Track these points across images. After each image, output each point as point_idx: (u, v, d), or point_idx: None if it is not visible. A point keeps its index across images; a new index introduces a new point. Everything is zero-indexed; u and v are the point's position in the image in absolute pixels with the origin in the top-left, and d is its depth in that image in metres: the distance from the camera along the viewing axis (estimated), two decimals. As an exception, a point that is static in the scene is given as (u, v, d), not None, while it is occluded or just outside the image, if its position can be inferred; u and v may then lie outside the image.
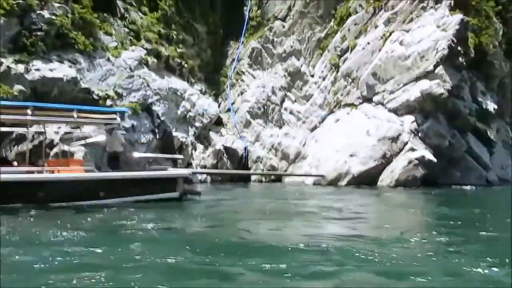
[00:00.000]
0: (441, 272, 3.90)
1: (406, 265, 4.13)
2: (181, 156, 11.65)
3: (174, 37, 18.36)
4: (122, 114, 9.72)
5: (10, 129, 9.54)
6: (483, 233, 5.93)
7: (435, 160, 13.07)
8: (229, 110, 18.98)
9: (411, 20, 15.89)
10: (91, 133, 10.82)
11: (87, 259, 4.16)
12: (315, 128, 17.91)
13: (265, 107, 18.24)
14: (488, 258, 4.28)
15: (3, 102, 8.32)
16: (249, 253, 4.64)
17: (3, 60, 11.01)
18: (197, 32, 19.99)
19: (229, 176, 16.68)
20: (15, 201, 7.37)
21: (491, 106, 15.34)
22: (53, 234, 5.29)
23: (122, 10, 16.48)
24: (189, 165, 15.60)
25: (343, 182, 13.45)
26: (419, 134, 13.54)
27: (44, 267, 3.82)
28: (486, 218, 7.76)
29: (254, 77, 19.79)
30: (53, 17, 12.26)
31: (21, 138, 10.50)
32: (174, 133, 14.93)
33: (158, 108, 14.48)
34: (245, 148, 17.33)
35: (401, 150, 13.28)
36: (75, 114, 8.45)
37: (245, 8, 21.83)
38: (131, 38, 16.18)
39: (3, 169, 7.42)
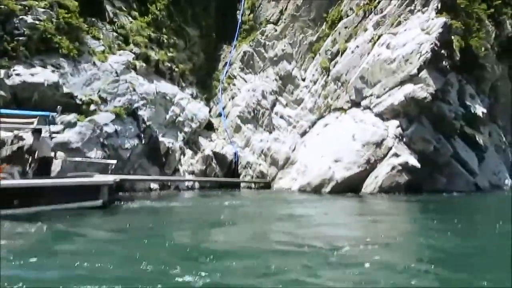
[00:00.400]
0: None
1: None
2: (113, 161, 11.22)
3: (165, 41, 18.32)
4: (45, 118, 9.48)
5: None
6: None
7: (419, 165, 12.91)
8: (220, 114, 18.94)
9: (399, 23, 15.77)
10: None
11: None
12: (305, 133, 17.78)
13: (255, 111, 18.15)
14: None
15: None
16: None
17: (-17, 66, 11.03)
18: (189, 36, 19.97)
19: (219, 183, 16.61)
20: None
21: (480, 110, 15.15)
22: None
23: (111, 15, 16.45)
24: (176, 170, 15.55)
25: (327, 189, 13.31)
26: (404, 139, 13.38)
27: None
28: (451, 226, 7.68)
29: (245, 81, 19.72)
30: (37, 22, 12.24)
31: None
32: (161, 138, 14.86)
33: (144, 113, 14.42)
34: (235, 154, 17.25)
35: (385, 155, 13.13)
36: None
37: (238, 12, 21.86)
38: (120, 42, 16.14)
39: None
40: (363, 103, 15.68)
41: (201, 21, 20.77)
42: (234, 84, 19.60)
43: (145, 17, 17.87)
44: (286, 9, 20.87)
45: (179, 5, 19.60)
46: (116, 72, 14.34)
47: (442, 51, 13.29)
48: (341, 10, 19.59)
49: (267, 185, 16.78)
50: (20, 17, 11.93)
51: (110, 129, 12.53)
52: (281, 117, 18.61)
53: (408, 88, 13.26)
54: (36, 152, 9.62)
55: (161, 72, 17.49)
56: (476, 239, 6.60)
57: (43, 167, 9.48)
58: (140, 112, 14.20)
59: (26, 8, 12.32)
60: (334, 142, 14.32)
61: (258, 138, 17.71)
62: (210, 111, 18.93)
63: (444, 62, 13.38)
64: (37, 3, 12.72)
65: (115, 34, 16.14)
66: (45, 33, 12.31)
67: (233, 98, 19.11)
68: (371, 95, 15.27)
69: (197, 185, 15.93)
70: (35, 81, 11.22)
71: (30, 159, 10.13)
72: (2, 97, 10.69)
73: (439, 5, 14.88)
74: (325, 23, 19.96)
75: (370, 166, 13.19)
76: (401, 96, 13.33)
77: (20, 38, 11.66)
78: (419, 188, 13.40)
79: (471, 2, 18.06)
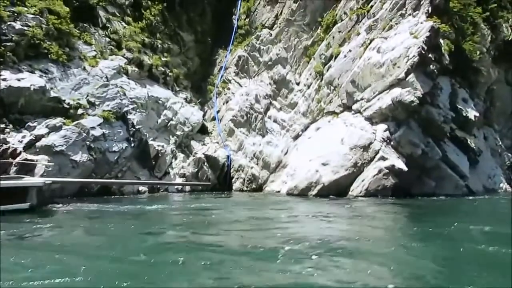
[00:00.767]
0: None
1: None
2: (42, 163, 10.81)
3: (159, 46, 18.42)
4: None
5: None
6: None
7: (405, 168, 12.82)
8: (214, 118, 19.01)
9: (391, 27, 15.71)
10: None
11: None
12: (298, 136, 17.77)
13: (248, 115, 18.17)
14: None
15: None
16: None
17: (-30, 71, 11.18)
18: (184, 41, 20.07)
19: (211, 186, 16.64)
20: None
21: (472, 113, 15.02)
22: None
23: (104, 20, 16.57)
24: (166, 173, 15.62)
25: (313, 192, 13.26)
26: (392, 143, 13.30)
27: None
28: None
29: (240, 85, 19.77)
30: (25, 28, 12.40)
31: None
32: (151, 142, 14.93)
33: (134, 117, 14.50)
34: (228, 157, 17.28)
35: (372, 159, 13.06)
36: None
37: (234, 16, 21.97)
38: (112, 47, 16.27)
39: None
40: (354, 107, 15.63)
41: (197, 26, 20.86)
42: (228, 88, 19.66)
43: (139, 22, 17.96)
44: (281, 13, 20.94)
45: (174, 11, 19.72)
46: (106, 77, 14.45)
47: (430, 55, 13.21)
48: (336, 15, 19.60)
49: (259, 188, 16.83)
50: (8, 23, 12.08)
51: (97, 132, 12.62)
52: (275, 121, 18.62)
53: (396, 92, 13.20)
54: None
55: (155, 76, 17.57)
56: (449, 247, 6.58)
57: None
58: (129, 116, 14.27)
59: (15, 14, 12.48)
60: (323, 146, 14.29)
61: (250, 141, 17.73)
62: (204, 115, 18.99)
63: (431, 66, 13.29)
64: (26, 9, 12.89)
65: (107, 39, 16.25)
66: (33, 39, 12.45)
67: (227, 102, 19.16)
68: (361, 99, 15.23)
69: (187, 187, 15.98)
70: (21, 85, 11.34)
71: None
72: (-12, 102, 10.84)
73: (430, 9, 14.81)
74: (320, 27, 19.98)
75: (358, 169, 13.13)
76: (388, 100, 13.27)
77: (8, 43, 11.80)
78: (408, 191, 13.31)
79: (465, 6, 17.98)
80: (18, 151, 10.60)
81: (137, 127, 14.35)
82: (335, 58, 17.96)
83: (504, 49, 19.38)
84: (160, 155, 15.02)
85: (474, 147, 15.38)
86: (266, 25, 20.99)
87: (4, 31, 11.89)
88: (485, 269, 5.22)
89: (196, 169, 16.46)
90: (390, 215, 9.96)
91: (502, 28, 19.45)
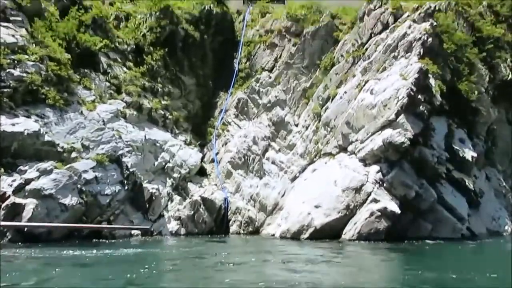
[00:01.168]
0: None
1: None
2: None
3: (160, 90, 18.84)
4: None
5: None
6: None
7: (398, 211, 12.56)
8: (213, 160, 19.12)
9: (384, 69, 15.88)
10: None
11: None
12: (295, 178, 17.67)
13: (246, 157, 18.22)
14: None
15: None
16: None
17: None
18: (185, 84, 20.50)
19: (208, 229, 16.53)
20: None
21: (469, 154, 14.82)
22: None
23: (105, 66, 17.13)
24: (161, 216, 15.59)
25: (305, 235, 13.03)
26: (384, 184, 13.13)
27: None
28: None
29: (240, 127, 19.97)
30: (24, 74, 12.89)
31: None
32: (145, 184, 14.99)
33: (129, 160, 14.66)
34: (225, 199, 17.22)
35: (364, 201, 12.86)
36: None
37: (235, 60, 22.54)
38: (112, 91, 16.72)
39: None
40: (350, 148, 15.60)
41: (198, 70, 21.35)
42: (228, 130, 19.86)
43: (140, 67, 18.48)
44: (280, 56, 21.42)
45: (175, 56, 20.30)
46: (103, 121, 14.77)
47: (419, 96, 13.25)
48: (333, 57, 19.99)
49: (256, 231, 16.64)
50: (8, 70, 12.59)
51: (89, 175, 12.76)
52: (273, 162, 18.61)
53: (387, 133, 13.18)
54: None
55: (154, 119, 17.86)
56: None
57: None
58: (124, 159, 14.44)
59: (15, 62, 13.02)
60: (317, 188, 14.18)
61: (248, 183, 17.68)
62: (204, 157, 19.09)
63: (421, 107, 13.30)
64: (27, 57, 13.44)
65: (107, 84, 16.73)
66: (31, 85, 12.89)
67: (226, 144, 19.30)
68: (356, 140, 15.20)
69: (183, 231, 15.86)
70: (15, 130, 11.65)
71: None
72: (-19, 147, 11.13)
73: (421, 51, 14.98)
74: (318, 69, 20.34)
75: (350, 212, 12.93)
76: (380, 141, 13.24)
77: (6, 90, 12.24)
78: (403, 234, 12.99)
79: (461, 47, 18.12)
80: (7, 195, 10.77)
81: (131, 169, 14.47)
82: (332, 99, 18.14)
83: (504, 89, 19.30)
84: (154, 197, 15.05)
85: (474, 189, 15.04)
86: (265, 68, 21.45)
87: (3, 78, 12.36)
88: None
89: (192, 212, 16.38)
90: (375, 260, 9.72)
91: (500, 68, 19.46)
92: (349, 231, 12.82)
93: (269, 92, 20.62)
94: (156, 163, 16.38)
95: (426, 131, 13.57)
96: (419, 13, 16.44)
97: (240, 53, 22.48)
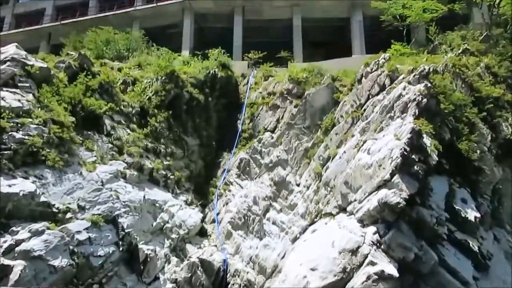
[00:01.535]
0: None
1: None
2: None
3: (162, 150, 19.14)
4: None
5: None
6: None
7: (397, 274, 12.00)
8: (214, 221, 18.93)
9: (381, 129, 15.95)
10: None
11: None
12: (296, 239, 17.25)
13: (246, 217, 17.99)
14: None
15: None
16: None
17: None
18: (188, 145, 20.82)
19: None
20: None
21: (472, 214, 14.36)
22: None
23: (109, 128, 17.56)
24: (156, 279, 15.19)
25: (300, 300, 12.54)
26: (382, 246, 12.70)
27: None
28: None
29: (241, 187, 19.93)
30: (26, 137, 13.30)
31: None
32: (140, 245, 14.77)
33: (125, 220, 14.58)
34: (224, 261, 16.82)
35: (361, 263, 12.38)
36: None
37: (238, 121, 23.01)
38: (114, 153, 17.00)
39: None
40: (349, 208, 15.32)
41: (202, 131, 21.79)
42: (229, 190, 19.82)
43: (144, 128, 18.93)
44: (282, 117, 21.82)
45: (179, 117, 20.81)
46: (102, 181, 14.91)
47: (413, 156, 13.16)
48: (334, 118, 20.26)
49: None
50: (10, 133, 13.02)
51: (82, 236, 12.68)
52: (274, 223, 18.30)
53: (382, 193, 12.96)
54: None
55: (155, 179, 17.97)
56: None
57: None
58: (120, 220, 14.38)
59: (18, 125, 13.49)
60: (315, 249, 13.78)
61: (248, 245, 17.31)
62: (205, 217, 18.96)
63: (416, 167, 13.15)
64: (30, 120, 13.93)
65: (110, 145, 17.05)
66: (31, 147, 13.24)
67: (227, 204, 19.18)
68: (355, 200, 14.96)
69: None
70: (10, 191, 11.83)
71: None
72: (-22, 208, 11.27)
73: (416, 111, 15.07)
74: (319, 130, 20.57)
75: (347, 275, 12.42)
76: (375, 201, 13.02)
77: (6, 152, 12.58)
78: (403, 300, 12.35)
79: (460, 107, 18.18)
80: (-5, 256, 10.72)
81: (127, 230, 14.35)
82: (332, 159, 18.12)
83: (507, 148, 18.98)
84: (149, 259, 14.76)
85: (481, 250, 14.41)
86: (268, 128, 21.80)
87: (4, 140, 12.75)
88: None
89: (190, 274, 15.94)
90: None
91: (502, 127, 19.27)
92: (346, 295, 12.27)
93: (271, 152, 20.78)
94: (154, 223, 16.25)
95: (423, 191, 13.30)
96: (414, 75, 16.74)
97: (244, 114, 23.00)
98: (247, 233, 17.70)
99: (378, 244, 12.73)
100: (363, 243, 12.74)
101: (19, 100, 14.25)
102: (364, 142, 16.35)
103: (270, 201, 19.02)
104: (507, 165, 19.23)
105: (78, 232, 12.67)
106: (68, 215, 13.04)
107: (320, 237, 14.95)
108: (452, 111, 17.55)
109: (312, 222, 17.31)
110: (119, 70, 21.82)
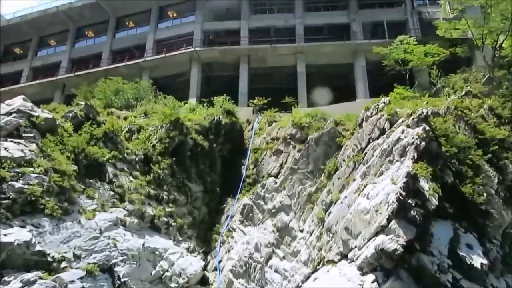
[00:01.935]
0: None
1: None
2: None
3: (165, 197, 19.14)
4: None
5: None
6: None
7: (396, 327, 11.48)
8: (216, 268, 18.58)
9: (381, 173, 15.76)
10: None
11: None
12: None
13: (247, 265, 17.60)
14: None
15: None
16: None
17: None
18: (191, 191, 20.80)
19: None
20: None
21: (478, 261, 13.76)
22: None
23: (111, 176, 17.73)
24: (153, 329, 14.81)
25: None
26: (381, 296, 12.23)
27: None
28: None
29: (244, 233, 19.68)
30: (25, 186, 13.52)
31: None
32: (137, 295, 14.56)
33: (122, 269, 14.37)
34: (225, 311, 16.36)
35: (359, 315, 11.92)
36: None
37: (242, 167, 23.08)
38: (115, 200, 17.04)
39: None
40: (350, 255, 14.87)
41: (206, 177, 21.84)
42: (232, 237, 19.56)
43: (147, 175, 19.03)
44: (285, 162, 21.80)
45: (183, 164, 20.95)
46: (100, 229, 14.87)
47: (410, 201, 12.88)
48: (337, 162, 20.15)
49: None
50: (10, 182, 13.26)
51: (75, 286, 12.47)
52: (276, 270, 17.85)
53: (379, 240, 12.59)
54: None
55: (157, 227, 17.85)
56: None
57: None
58: (117, 268, 14.20)
59: (19, 174, 13.74)
60: (314, 299, 13.32)
61: (249, 293, 16.87)
62: (207, 265, 18.64)
63: (413, 212, 12.83)
64: (31, 169, 14.19)
65: (111, 193, 17.14)
66: (30, 196, 13.41)
67: (229, 251, 18.85)
68: (355, 246, 14.57)
69: None
70: (5, 240, 11.87)
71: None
72: (-29, 256, 11.30)
73: (415, 155, 14.91)
74: (322, 174, 20.42)
75: (345, 327, 11.92)
76: (373, 248, 12.65)
77: (4, 201, 12.76)
78: None
79: (464, 149, 17.93)
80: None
81: (123, 279, 14.13)
82: (334, 204, 17.85)
83: (515, 191, 18.50)
84: (143, 309, 14.45)
85: (490, 300, 13.71)
86: (271, 173, 21.76)
87: (4, 190, 12.96)
88: None
89: (187, 325, 15.55)
90: None
91: (509, 169, 18.81)
92: None
93: (274, 197, 20.63)
94: (153, 272, 15.98)
95: (423, 237, 12.88)
96: (413, 119, 16.69)
97: (248, 159, 23.09)
98: (248, 282, 17.27)
99: (377, 293, 12.24)
100: (361, 292, 12.27)
101: (21, 150, 14.59)
102: (365, 186, 16.12)
103: (273, 248, 18.66)
104: (516, 208, 18.62)
105: (72, 281, 12.52)
106: (63, 264, 12.94)
107: (321, 286, 14.45)
108: (455, 154, 17.28)
109: (315, 270, 16.82)
110: (125, 118, 22.30)
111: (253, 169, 22.66)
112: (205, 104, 26.08)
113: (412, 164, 14.70)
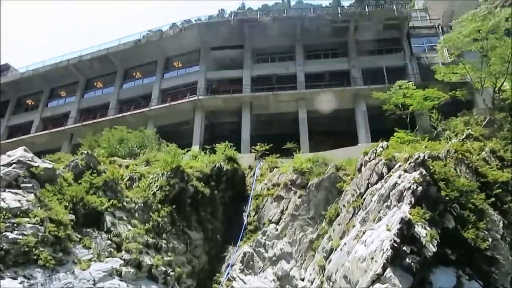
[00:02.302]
0: None
1: None
2: None
3: (164, 246, 18.88)
4: None
5: None
6: None
7: None
8: (213, 322, 18.02)
9: (380, 219, 15.50)
10: None
11: None
12: None
13: (245, 317, 17.10)
14: None
15: None
16: None
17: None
18: (191, 239, 20.50)
19: None
20: None
21: (484, 310, 13.21)
22: None
23: (109, 224, 17.63)
24: None
25: None
26: None
27: None
28: None
29: (244, 283, 19.21)
30: (20, 237, 13.52)
31: None
32: None
33: (113, 322, 14.09)
34: None
35: None
36: None
37: (244, 214, 22.89)
38: (112, 249, 16.87)
39: None
40: (350, 306, 14.39)
41: (207, 224, 21.59)
42: (232, 287, 19.12)
43: (146, 224, 18.88)
44: (286, 208, 21.59)
45: (183, 211, 20.80)
46: (94, 280, 14.65)
47: (404, 248, 12.54)
48: (338, 207, 19.90)
49: None
50: (4, 233, 13.26)
51: None
52: (275, 325, 17.28)
53: (374, 289, 12.22)
54: None
55: (154, 276, 17.48)
56: None
57: None
58: (106, 321, 13.88)
59: (14, 225, 13.77)
60: None
61: None
62: (206, 317, 18.12)
63: (408, 259, 12.45)
64: (27, 219, 14.22)
65: (109, 242, 16.98)
66: (24, 247, 13.36)
67: (228, 302, 18.39)
68: (355, 296, 14.10)
69: None
70: (-6, 293, 11.78)
71: None
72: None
73: (412, 200, 14.68)
74: (324, 220, 20.13)
75: None
76: (368, 298, 12.22)
77: (-3, 253, 12.71)
78: None
79: (465, 193, 17.63)
80: None
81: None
82: (335, 251, 17.46)
83: (522, 235, 17.93)
84: None
85: None
86: (272, 220, 21.51)
87: (-3, 241, 12.95)
88: None
89: None
90: None
91: (514, 213, 18.43)
92: None
93: (275, 244, 20.27)
94: (145, 324, 15.55)
95: (422, 285, 12.43)
96: (410, 163, 16.57)
97: (249, 206, 22.93)
98: (246, 336, 16.64)
99: None
100: None
101: (19, 201, 14.69)
102: (364, 233, 15.79)
103: (274, 298, 18.12)
104: (523, 254, 17.99)
105: None
106: (49, 316, 12.66)
107: None
108: (456, 198, 16.96)
109: (316, 323, 16.22)
110: (127, 167, 22.49)
111: (254, 215, 22.45)
112: (207, 151, 26.25)
113: (409, 209, 14.43)
